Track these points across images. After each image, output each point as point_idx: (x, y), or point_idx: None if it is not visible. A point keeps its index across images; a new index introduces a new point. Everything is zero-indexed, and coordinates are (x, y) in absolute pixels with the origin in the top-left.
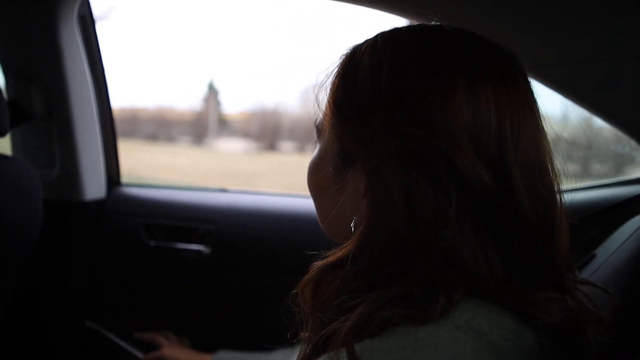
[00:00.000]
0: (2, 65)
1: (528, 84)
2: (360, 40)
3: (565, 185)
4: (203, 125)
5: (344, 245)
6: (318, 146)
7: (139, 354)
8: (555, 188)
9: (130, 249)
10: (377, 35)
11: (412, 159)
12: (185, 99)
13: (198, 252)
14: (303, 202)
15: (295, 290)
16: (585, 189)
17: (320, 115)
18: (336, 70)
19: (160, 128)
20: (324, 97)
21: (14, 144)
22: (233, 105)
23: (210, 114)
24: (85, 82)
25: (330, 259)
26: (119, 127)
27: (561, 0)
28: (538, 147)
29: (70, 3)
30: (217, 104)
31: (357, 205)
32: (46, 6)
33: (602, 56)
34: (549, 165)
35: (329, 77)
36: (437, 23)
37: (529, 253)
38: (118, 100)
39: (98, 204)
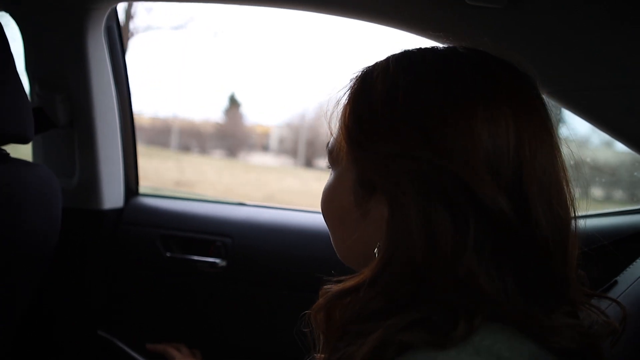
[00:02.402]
0: (28, 73)
1: (543, 103)
2: (370, 63)
3: (587, 210)
4: (237, 138)
5: (361, 272)
6: (333, 173)
7: None
8: (569, 204)
9: (146, 259)
10: (388, 59)
11: (430, 185)
12: (216, 111)
13: (214, 264)
14: (322, 218)
15: (307, 312)
16: (607, 215)
17: (332, 140)
18: (347, 95)
19: (190, 139)
20: (336, 121)
21: (35, 151)
22: (267, 118)
23: (242, 127)
24: (109, 93)
25: (347, 284)
26: (153, 136)
27: (587, 27)
28: (554, 167)
29: (98, 14)
30: (245, 116)
31: (380, 232)
32: (74, 17)
33: (628, 83)
34: (564, 182)
35: (339, 102)
36: (450, 45)
37: (545, 271)
38: (154, 110)
39: (115, 213)
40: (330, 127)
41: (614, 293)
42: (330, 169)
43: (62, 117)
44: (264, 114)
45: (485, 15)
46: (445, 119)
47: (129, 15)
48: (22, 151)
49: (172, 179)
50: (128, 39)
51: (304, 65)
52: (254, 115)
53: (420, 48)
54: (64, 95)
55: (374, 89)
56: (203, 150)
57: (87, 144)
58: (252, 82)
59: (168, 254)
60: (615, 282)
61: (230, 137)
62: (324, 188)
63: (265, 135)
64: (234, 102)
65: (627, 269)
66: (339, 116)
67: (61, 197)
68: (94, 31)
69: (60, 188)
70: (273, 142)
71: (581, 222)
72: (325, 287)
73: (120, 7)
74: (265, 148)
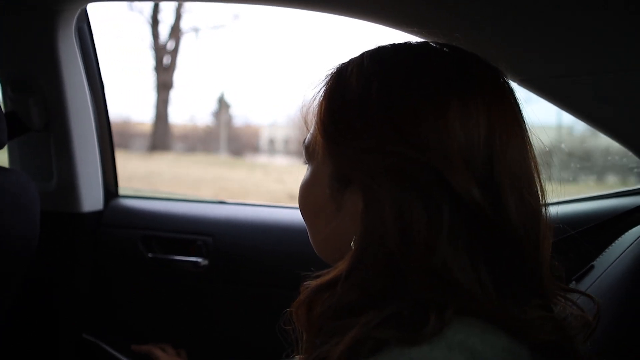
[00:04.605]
0: (0, 76)
1: (514, 97)
2: (345, 60)
3: (564, 196)
4: (240, 139)
5: (337, 265)
6: (309, 167)
7: None
8: (541, 196)
9: (128, 261)
10: (362, 55)
11: (405, 177)
12: (208, 112)
13: (196, 264)
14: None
15: (289, 309)
16: (584, 200)
17: (309, 136)
18: (322, 91)
19: (189, 141)
20: (312, 118)
21: (11, 156)
22: (269, 118)
23: (234, 128)
24: (83, 94)
25: (324, 278)
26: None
27: (560, 13)
28: (525, 158)
29: (68, 15)
30: (237, 117)
31: (356, 225)
32: (44, 18)
33: (600, 68)
34: (535, 175)
35: (315, 98)
36: (423, 40)
37: (517, 263)
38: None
39: (96, 215)
40: (306, 123)
41: (590, 278)
42: (307, 165)
43: (36, 121)
44: (260, 113)
45: (457, 3)
46: (419, 113)
47: (178, 15)
48: None
49: (281, 193)
50: (179, 39)
51: (302, 64)
52: (246, 116)
53: (394, 44)
54: (38, 98)
55: (349, 85)
56: (208, 152)
57: (63, 147)
58: (248, 83)
59: (150, 255)
60: (592, 267)
61: (234, 138)
62: (301, 184)
63: (259, 135)
64: (223, 103)
65: (603, 253)
66: (315, 112)
67: (39, 201)
68: (64, 33)
69: (38, 192)
70: (273, 143)
71: (556, 209)
72: (305, 282)
73: (89, 6)
74: (257, 148)
